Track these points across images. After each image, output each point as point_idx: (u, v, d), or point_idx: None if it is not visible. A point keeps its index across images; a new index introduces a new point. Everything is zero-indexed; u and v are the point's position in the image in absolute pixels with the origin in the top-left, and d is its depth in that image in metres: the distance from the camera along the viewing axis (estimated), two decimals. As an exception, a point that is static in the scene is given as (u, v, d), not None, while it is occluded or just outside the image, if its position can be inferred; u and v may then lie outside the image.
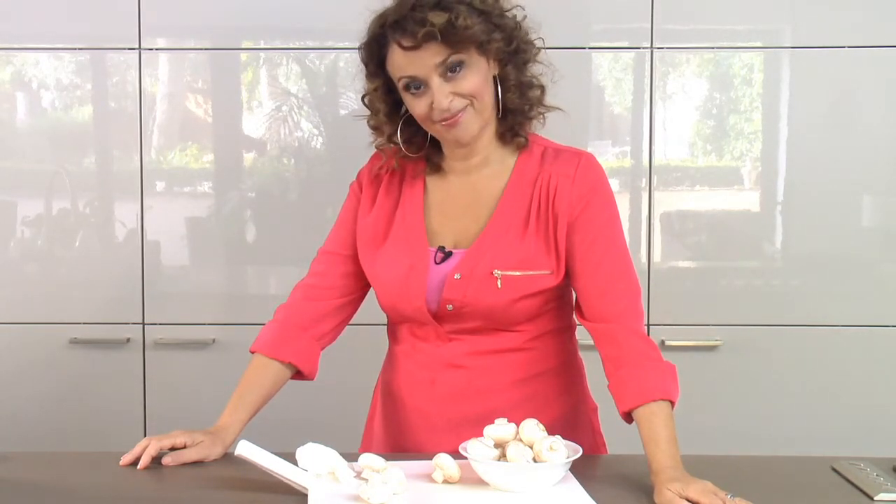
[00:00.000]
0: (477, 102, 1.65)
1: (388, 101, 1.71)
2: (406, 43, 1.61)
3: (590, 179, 1.69)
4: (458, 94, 1.63)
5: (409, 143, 1.74)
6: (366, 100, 1.74)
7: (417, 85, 1.63)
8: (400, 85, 1.66)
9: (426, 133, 1.73)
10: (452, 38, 1.60)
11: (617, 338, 1.65)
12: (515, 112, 1.70)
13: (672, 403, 1.59)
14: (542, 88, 1.73)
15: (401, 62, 1.63)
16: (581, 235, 1.66)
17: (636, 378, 1.60)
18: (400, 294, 1.71)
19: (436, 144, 1.75)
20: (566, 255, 1.68)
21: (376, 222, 1.77)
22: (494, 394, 1.72)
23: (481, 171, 1.74)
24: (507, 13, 1.67)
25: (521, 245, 1.67)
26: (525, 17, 1.70)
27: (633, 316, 1.67)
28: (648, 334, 2.66)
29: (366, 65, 1.70)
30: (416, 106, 1.65)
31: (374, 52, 1.67)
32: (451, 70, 1.62)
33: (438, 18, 1.58)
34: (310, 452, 1.55)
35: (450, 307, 1.67)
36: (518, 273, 1.65)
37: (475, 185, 1.74)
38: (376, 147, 1.78)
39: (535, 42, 1.71)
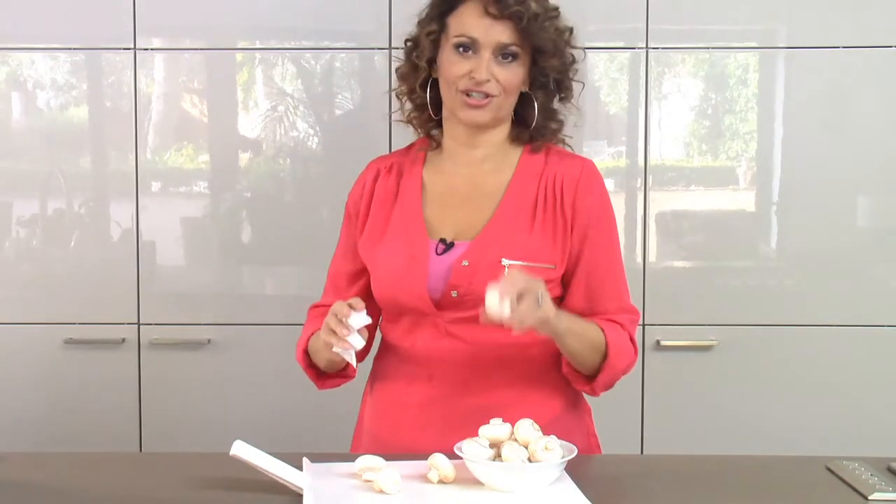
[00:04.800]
0: (503, 98, 1.74)
1: (432, 49, 1.77)
2: (492, 10, 1.69)
3: (593, 189, 1.77)
4: (496, 79, 1.71)
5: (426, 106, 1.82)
6: (409, 43, 1.81)
7: (468, 48, 1.71)
8: (453, 41, 1.73)
9: (437, 108, 1.80)
10: (529, 30, 1.70)
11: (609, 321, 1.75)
12: (539, 129, 1.79)
13: (606, 355, 1.70)
14: (561, 124, 1.82)
15: (471, 22, 1.71)
16: (585, 249, 1.74)
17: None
18: (400, 284, 1.73)
19: (441, 124, 1.83)
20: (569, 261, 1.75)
21: (375, 217, 1.81)
22: (490, 391, 1.72)
23: (483, 166, 1.80)
24: (572, 49, 1.77)
25: (528, 237, 1.72)
26: (577, 62, 1.79)
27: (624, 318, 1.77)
28: (644, 334, 2.68)
29: (431, 5, 1.78)
30: (456, 66, 1.72)
31: (445, 1, 1.75)
32: (505, 56, 1.71)
33: (534, 6, 1.69)
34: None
35: (454, 293, 1.70)
36: (524, 264, 1.68)
37: (476, 178, 1.80)
38: (397, 96, 1.84)
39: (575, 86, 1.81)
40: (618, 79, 2.70)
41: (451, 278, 1.70)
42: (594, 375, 1.72)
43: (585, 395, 1.85)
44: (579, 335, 1.68)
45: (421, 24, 1.79)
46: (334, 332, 1.62)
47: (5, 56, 2.70)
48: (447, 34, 1.75)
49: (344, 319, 1.61)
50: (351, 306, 1.64)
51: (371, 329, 1.88)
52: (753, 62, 2.69)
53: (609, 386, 1.75)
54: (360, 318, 1.63)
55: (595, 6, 2.63)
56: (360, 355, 1.84)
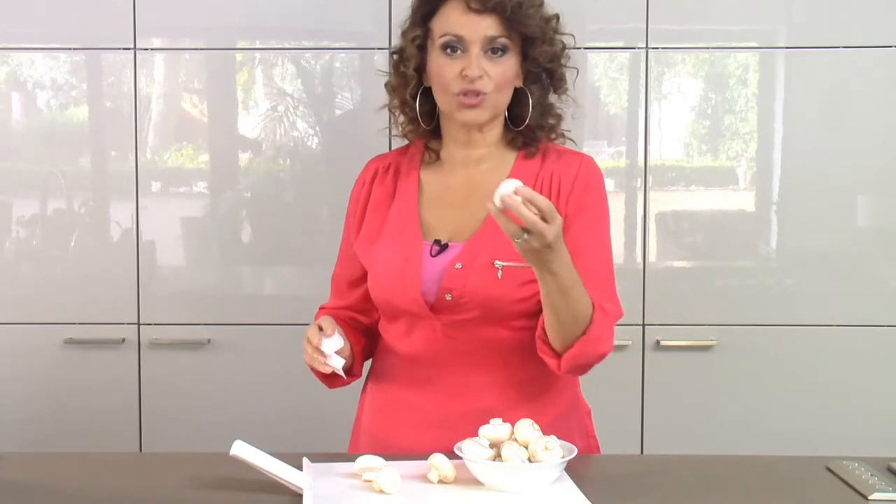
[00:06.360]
0: (497, 95, 1.71)
1: (420, 56, 1.75)
2: (474, 5, 1.67)
3: (589, 181, 1.74)
4: (488, 75, 1.68)
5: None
6: (395, 56, 1.79)
7: (456, 47, 1.69)
8: (440, 42, 1.71)
9: (431, 117, 1.78)
10: (514, 19, 1.68)
11: None
12: (534, 128, 1.76)
13: (585, 331, 1.60)
14: (560, 118, 1.79)
15: (455, 19, 1.69)
16: (572, 234, 1.67)
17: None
18: (395, 287, 1.72)
19: (436, 134, 1.80)
20: None
21: (371, 218, 1.81)
22: (490, 392, 1.72)
23: (480, 166, 1.78)
24: (561, 36, 1.75)
25: None
26: (568, 49, 1.77)
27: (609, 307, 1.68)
28: (644, 334, 2.67)
29: (413, 11, 1.75)
30: (447, 68, 1.70)
31: (427, 2, 1.73)
32: (494, 50, 1.69)
33: None
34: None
35: (448, 297, 1.68)
36: (518, 265, 1.65)
37: (473, 179, 1.78)
38: (389, 109, 1.82)
39: (568, 75, 1.78)
40: (618, 79, 2.70)
41: (444, 281, 1.68)
42: (565, 350, 1.63)
43: (585, 397, 1.85)
44: (567, 291, 1.56)
45: (405, 32, 1.77)
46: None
47: (5, 56, 2.70)
48: (432, 38, 1.73)
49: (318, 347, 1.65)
50: (321, 329, 1.65)
51: (372, 328, 1.88)
52: (753, 62, 2.69)
53: (575, 367, 1.65)
54: (332, 344, 1.66)
55: (595, 6, 2.63)
56: (361, 355, 1.85)
